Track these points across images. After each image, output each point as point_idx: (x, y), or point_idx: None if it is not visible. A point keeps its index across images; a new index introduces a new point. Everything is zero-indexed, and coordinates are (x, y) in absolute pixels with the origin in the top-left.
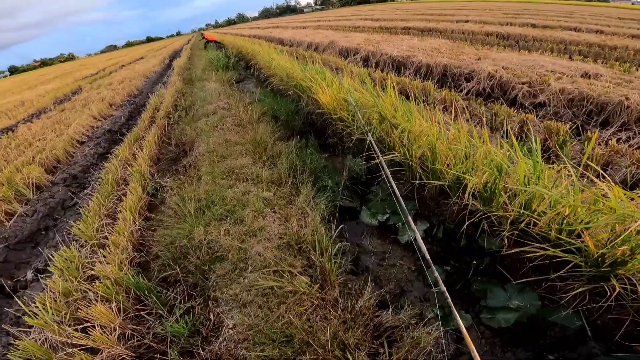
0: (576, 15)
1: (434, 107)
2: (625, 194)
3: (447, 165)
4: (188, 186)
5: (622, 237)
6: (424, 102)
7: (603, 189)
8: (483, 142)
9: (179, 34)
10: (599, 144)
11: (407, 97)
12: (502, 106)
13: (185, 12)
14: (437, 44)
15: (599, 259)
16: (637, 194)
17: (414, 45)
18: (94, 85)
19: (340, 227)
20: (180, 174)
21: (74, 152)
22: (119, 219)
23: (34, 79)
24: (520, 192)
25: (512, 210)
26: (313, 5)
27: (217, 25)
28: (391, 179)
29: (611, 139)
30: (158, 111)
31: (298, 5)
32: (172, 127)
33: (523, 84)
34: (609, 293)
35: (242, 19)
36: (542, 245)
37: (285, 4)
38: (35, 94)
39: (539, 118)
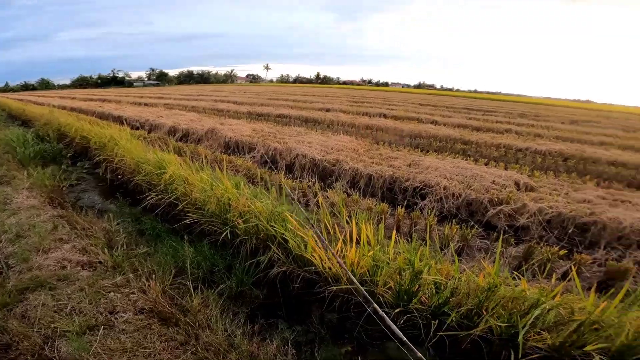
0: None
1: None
2: None
3: None
4: None
5: None
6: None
7: None
8: None
9: None
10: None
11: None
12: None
13: None
14: (347, 142)
15: None
16: None
17: (324, 144)
18: None
19: None
20: None
21: None
22: None
23: None
24: None
25: None
26: (145, 79)
27: (7, 89)
28: None
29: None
30: None
31: (127, 78)
32: None
33: (495, 204)
34: None
35: (45, 85)
36: None
37: (111, 75)
38: None
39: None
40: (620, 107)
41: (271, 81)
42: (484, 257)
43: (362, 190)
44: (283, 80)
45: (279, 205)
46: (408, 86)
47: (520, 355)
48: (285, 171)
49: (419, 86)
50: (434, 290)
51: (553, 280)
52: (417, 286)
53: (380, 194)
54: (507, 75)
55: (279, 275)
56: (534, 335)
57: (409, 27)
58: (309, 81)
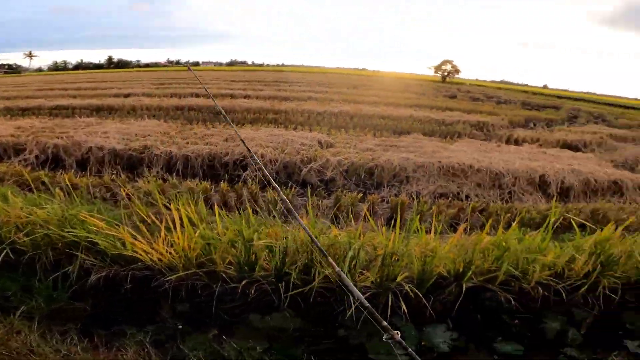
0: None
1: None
2: None
3: None
4: None
5: None
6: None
7: None
8: None
9: None
10: (387, 202)
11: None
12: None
13: None
14: (155, 126)
15: None
16: None
17: (125, 131)
18: None
19: None
20: None
21: None
22: None
23: None
24: None
25: None
26: None
27: None
28: None
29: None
30: None
31: None
32: None
33: (306, 163)
34: None
35: None
36: None
37: None
38: None
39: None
40: (385, 73)
41: (39, 70)
42: (305, 213)
43: (180, 172)
44: (58, 67)
45: (73, 207)
46: (220, 64)
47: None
48: (77, 168)
49: (231, 63)
50: (270, 255)
51: (353, 222)
52: (254, 254)
53: (201, 173)
54: (307, 49)
55: (101, 280)
56: (359, 276)
57: (222, 6)
58: (98, 66)
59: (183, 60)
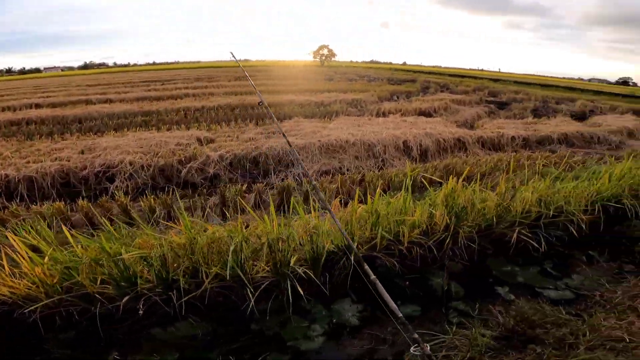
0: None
1: None
2: None
3: None
4: None
5: None
6: None
7: None
8: None
9: None
10: (275, 188)
11: None
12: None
13: None
14: None
15: None
16: None
17: None
18: None
19: None
20: None
21: None
22: None
23: None
24: None
25: None
26: None
27: None
28: None
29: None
30: None
31: None
32: None
33: (184, 163)
34: None
35: None
36: None
37: None
38: None
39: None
40: (269, 62)
41: None
42: (190, 215)
43: (25, 197)
44: None
45: None
46: (71, 69)
47: (254, 290)
48: None
49: (86, 67)
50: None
51: (239, 215)
52: (128, 268)
53: (54, 194)
54: (180, 44)
55: None
56: (252, 268)
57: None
58: None
59: (16, 67)
